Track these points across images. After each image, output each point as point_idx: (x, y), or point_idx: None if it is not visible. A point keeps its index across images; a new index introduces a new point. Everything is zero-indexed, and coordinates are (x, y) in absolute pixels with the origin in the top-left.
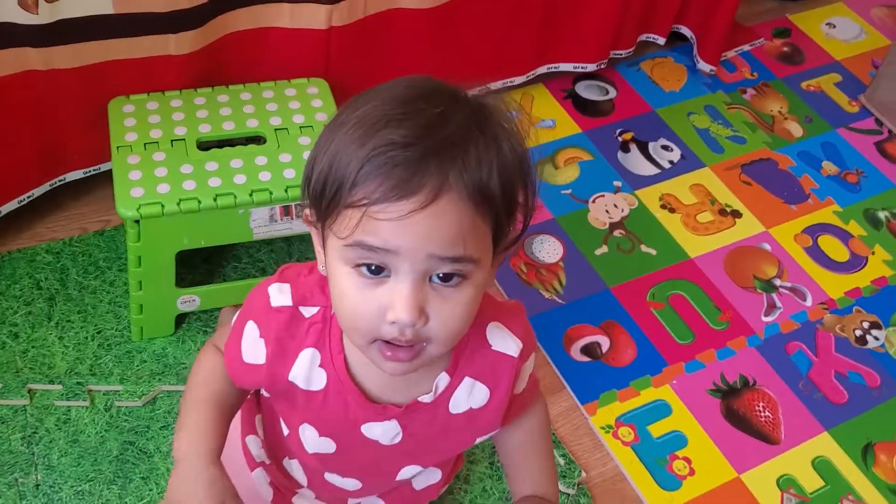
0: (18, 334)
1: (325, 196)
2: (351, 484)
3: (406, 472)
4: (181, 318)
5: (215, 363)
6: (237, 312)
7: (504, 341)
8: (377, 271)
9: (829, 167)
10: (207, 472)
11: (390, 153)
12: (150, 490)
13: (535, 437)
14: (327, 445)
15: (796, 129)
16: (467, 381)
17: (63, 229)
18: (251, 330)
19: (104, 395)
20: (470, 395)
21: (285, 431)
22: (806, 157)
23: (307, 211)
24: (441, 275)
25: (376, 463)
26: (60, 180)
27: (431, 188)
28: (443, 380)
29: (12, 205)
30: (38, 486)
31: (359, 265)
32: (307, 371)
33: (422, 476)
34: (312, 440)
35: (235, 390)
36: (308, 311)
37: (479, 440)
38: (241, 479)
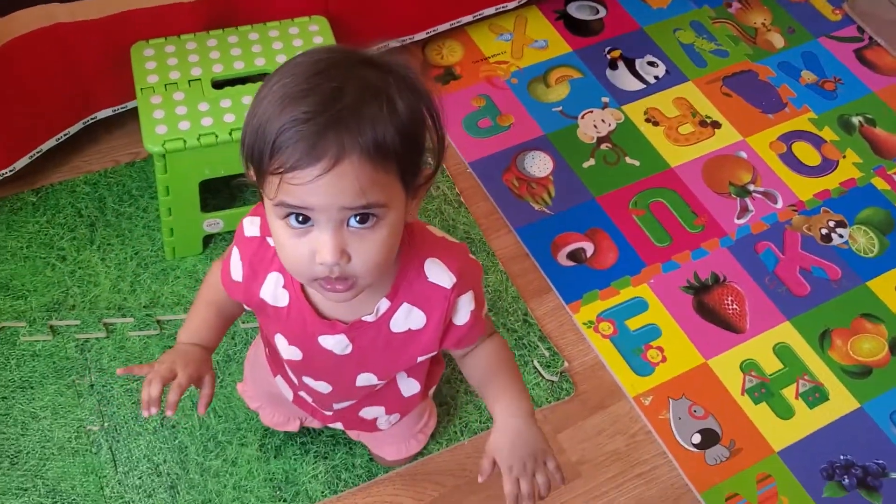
0: (66, 257)
1: (254, 162)
2: (323, 387)
3: (363, 380)
4: (208, 239)
5: (219, 276)
6: None
7: (439, 275)
8: (303, 221)
9: (807, 76)
10: (192, 348)
11: (295, 129)
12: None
13: (494, 368)
14: (295, 353)
15: (778, 41)
16: (405, 306)
17: (98, 162)
18: (235, 253)
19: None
20: (408, 318)
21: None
22: (786, 67)
23: (249, 172)
24: (357, 217)
25: (336, 369)
26: (92, 118)
27: (331, 155)
28: (383, 304)
29: (51, 142)
30: (92, 385)
31: (286, 216)
32: (273, 290)
33: (404, 384)
34: (284, 348)
35: (231, 301)
36: (272, 241)
37: (420, 358)
38: (268, 384)
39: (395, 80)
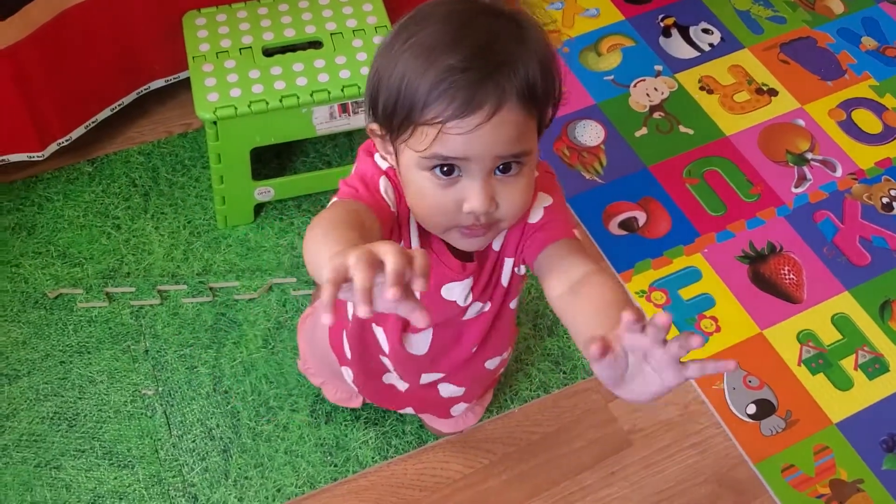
0: (121, 226)
1: (396, 116)
2: (422, 342)
3: (474, 310)
4: (259, 208)
5: (357, 199)
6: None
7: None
8: (449, 172)
9: (868, 42)
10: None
11: (452, 78)
12: (241, 353)
13: (607, 296)
14: None
15: (837, 6)
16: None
17: (151, 133)
18: (383, 180)
19: (221, 290)
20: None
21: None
22: (846, 33)
23: (373, 125)
24: (501, 167)
25: (452, 320)
26: (146, 89)
27: (491, 104)
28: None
29: (105, 112)
30: (146, 351)
31: (433, 168)
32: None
33: (495, 360)
34: None
35: (375, 225)
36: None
37: (517, 269)
38: (331, 360)
39: (524, 23)
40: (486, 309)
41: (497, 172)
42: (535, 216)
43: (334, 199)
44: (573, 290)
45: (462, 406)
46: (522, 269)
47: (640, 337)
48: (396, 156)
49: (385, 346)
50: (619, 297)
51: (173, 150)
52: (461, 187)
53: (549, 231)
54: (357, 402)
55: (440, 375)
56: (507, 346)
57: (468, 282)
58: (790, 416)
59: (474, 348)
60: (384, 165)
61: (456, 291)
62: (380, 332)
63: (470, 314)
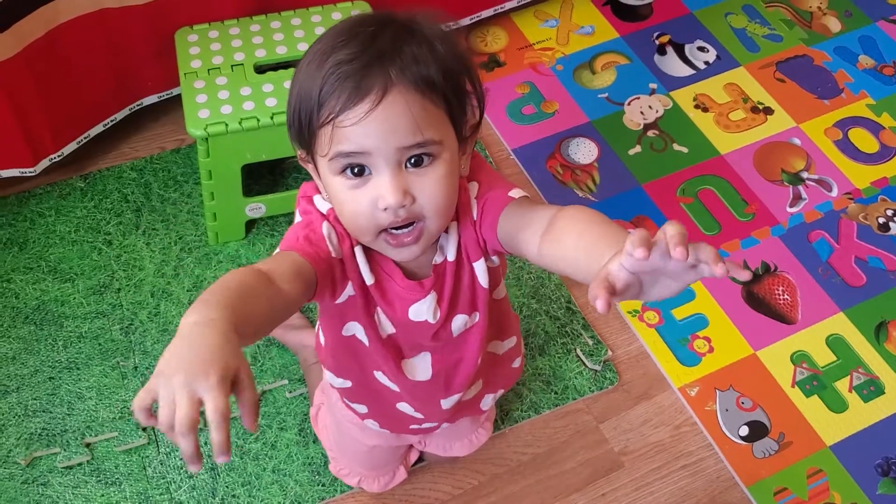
0: (112, 241)
1: (302, 127)
2: (422, 366)
3: (459, 323)
4: (250, 224)
5: (291, 252)
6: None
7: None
8: (359, 173)
9: (865, 61)
10: (203, 332)
11: (339, 70)
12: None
13: (582, 222)
14: (389, 328)
15: (834, 25)
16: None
17: (144, 148)
18: (325, 226)
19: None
20: (447, 244)
21: (366, 342)
22: (842, 52)
23: (299, 152)
24: (412, 160)
25: (434, 337)
26: (138, 105)
27: (378, 87)
28: (451, 238)
29: (98, 128)
30: (136, 367)
31: (343, 170)
32: (364, 266)
33: (499, 344)
34: (387, 324)
35: (299, 278)
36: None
37: (478, 271)
38: (360, 445)
39: (429, 27)
40: (477, 320)
41: (408, 166)
42: (476, 207)
43: (278, 249)
44: (547, 234)
45: (490, 397)
46: (496, 260)
47: (645, 263)
48: (319, 174)
49: (394, 386)
50: (595, 216)
51: (166, 165)
52: (373, 185)
53: (492, 208)
54: (403, 475)
55: (458, 396)
56: (510, 332)
57: (431, 297)
58: (783, 438)
59: (479, 359)
60: (325, 208)
61: (423, 310)
62: (381, 377)
63: (458, 328)
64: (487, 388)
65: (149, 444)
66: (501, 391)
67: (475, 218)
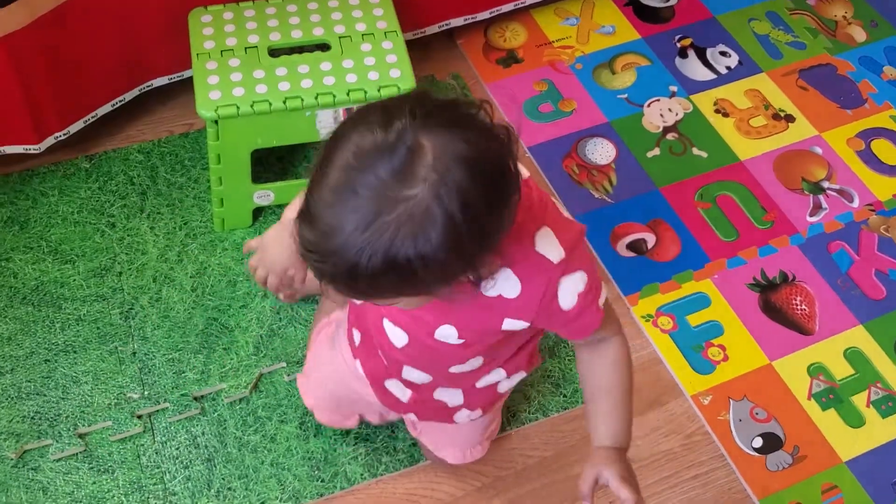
0: (115, 224)
1: None
2: (399, 336)
3: (442, 334)
4: (258, 212)
5: None
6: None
7: (548, 247)
8: None
9: (890, 72)
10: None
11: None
12: (231, 359)
13: (608, 384)
14: None
15: (859, 34)
16: (505, 270)
17: (151, 132)
18: None
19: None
20: (503, 284)
21: None
22: (867, 62)
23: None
24: None
25: (419, 317)
26: (148, 86)
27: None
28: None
29: (106, 108)
30: (134, 353)
31: None
32: None
33: (487, 377)
34: None
35: None
36: None
37: (505, 326)
38: (333, 382)
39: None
40: (460, 342)
41: None
42: (567, 301)
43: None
44: (590, 357)
45: (468, 414)
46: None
47: None
48: None
49: (381, 334)
50: (614, 389)
51: (173, 149)
52: None
53: (585, 323)
54: (352, 423)
55: (429, 378)
56: (516, 368)
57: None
58: (798, 451)
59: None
60: None
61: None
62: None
63: (440, 335)
64: (467, 405)
65: (144, 432)
66: (479, 411)
67: (565, 309)
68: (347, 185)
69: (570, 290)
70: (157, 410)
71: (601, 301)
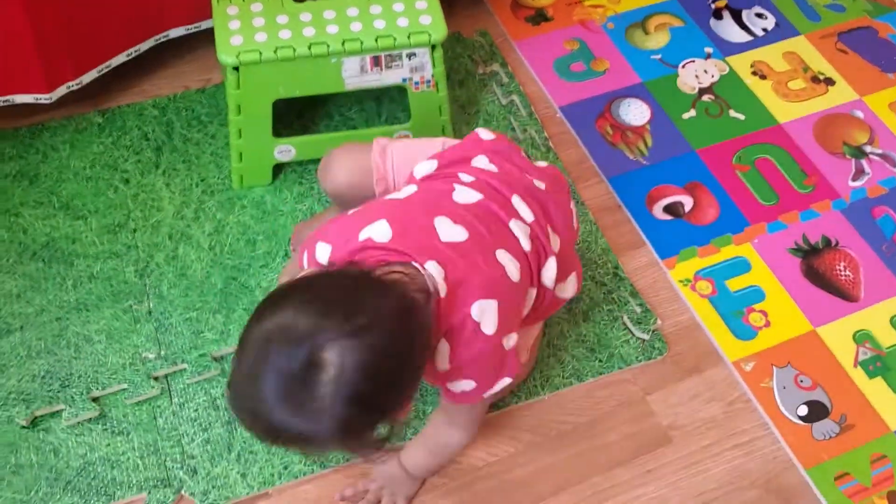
0: (129, 180)
1: None
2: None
3: None
4: (277, 170)
5: None
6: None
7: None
8: None
9: None
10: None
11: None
12: None
13: (434, 445)
14: None
15: None
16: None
17: (167, 86)
18: None
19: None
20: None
21: None
22: None
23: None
24: None
25: None
26: (164, 36)
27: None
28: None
29: (120, 58)
30: (150, 312)
31: None
32: None
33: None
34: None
35: None
36: None
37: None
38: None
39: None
40: None
41: None
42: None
43: None
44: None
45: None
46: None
47: None
48: None
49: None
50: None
51: (190, 105)
52: None
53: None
54: None
55: None
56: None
57: None
58: (845, 420)
59: None
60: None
61: None
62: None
63: None
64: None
65: (161, 394)
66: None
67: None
68: (257, 375)
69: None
70: (175, 371)
71: (486, 394)
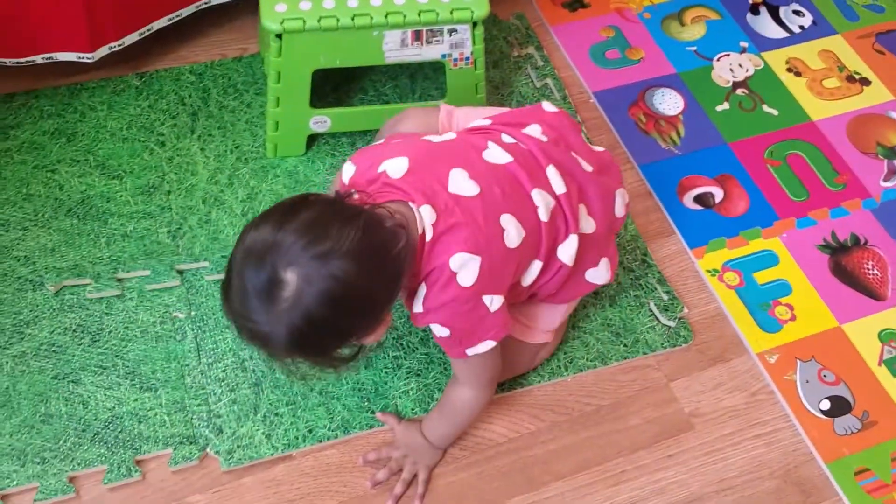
0: (165, 143)
1: None
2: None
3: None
4: (311, 141)
5: None
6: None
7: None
8: None
9: None
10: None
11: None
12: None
13: (445, 404)
14: None
15: None
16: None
17: (204, 54)
18: None
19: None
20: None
21: None
22: None
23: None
24: None
25: None
26: (206, 3)
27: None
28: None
29: (162, 22)
30: (181, 272)
31: None
32: None
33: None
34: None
35: None
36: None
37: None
38: None
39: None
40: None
41: None
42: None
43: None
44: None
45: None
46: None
47: None
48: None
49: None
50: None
51: (226, 72)
52: None
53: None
54: None
55: None
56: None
57: None
58: (867, 416)
59: None
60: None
61: None
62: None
63: None
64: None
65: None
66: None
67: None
68: (238, 293)
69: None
70: (204, 331)
71: (469, 352)
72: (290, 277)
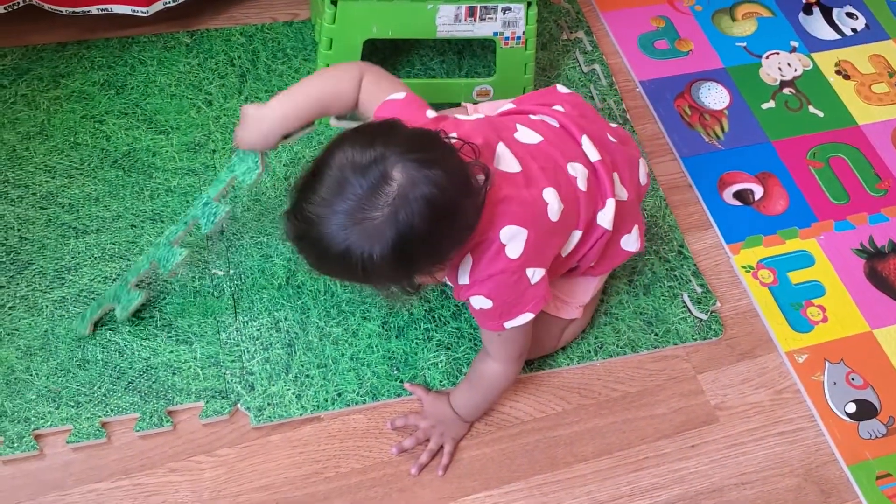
0: (212, 102)
1: None
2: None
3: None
4: None
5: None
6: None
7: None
8: None
9: None
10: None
11: None
12: None
13: (474, 377)
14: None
15: None
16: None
17: (255, 17)
18: None
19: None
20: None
21: None
22: None
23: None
24: None
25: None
26: None
27: None
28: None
29: None
30: (222, 232)
31: None
32: None
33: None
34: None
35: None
36: None
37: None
38: None
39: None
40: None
41: None
42: (476, 301)
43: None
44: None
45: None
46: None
47: None
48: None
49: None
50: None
51: (276, 36)
52: None
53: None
54: None
55: None
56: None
57: None
58: (893, 422)
59: None
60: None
61: None
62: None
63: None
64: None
65: (227, 310)
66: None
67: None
68: (335, 192)
69: (471, 299)
70: (241, 290)
71: (507, 324)
72: (396, 175)
